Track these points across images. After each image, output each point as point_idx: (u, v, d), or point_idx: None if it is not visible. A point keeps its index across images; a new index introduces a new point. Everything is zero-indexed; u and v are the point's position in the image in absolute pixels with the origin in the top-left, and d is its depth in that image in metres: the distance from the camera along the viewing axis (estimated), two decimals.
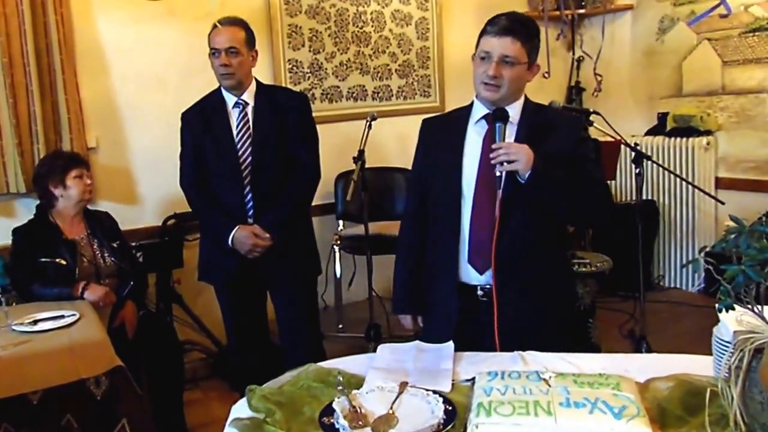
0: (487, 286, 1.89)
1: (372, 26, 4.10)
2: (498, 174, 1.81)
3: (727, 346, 1.25)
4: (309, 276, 2.90)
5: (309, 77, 3.94)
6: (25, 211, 3.15)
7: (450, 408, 1.34)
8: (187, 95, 2.90)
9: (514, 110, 1.90)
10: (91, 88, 3.35)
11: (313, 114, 2.84)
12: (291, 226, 2.74)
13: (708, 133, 4.17)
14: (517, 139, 1.86)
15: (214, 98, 2.74)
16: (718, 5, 4.02)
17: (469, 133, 1.95)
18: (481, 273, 1.90)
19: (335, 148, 3.53)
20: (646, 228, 3.81)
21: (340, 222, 3.95)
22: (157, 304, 3.42)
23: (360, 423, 1.30)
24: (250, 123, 2.69)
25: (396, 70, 4.21)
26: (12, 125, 3.08)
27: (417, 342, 1.76)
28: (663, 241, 4.38)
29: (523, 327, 1.87)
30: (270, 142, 2.69)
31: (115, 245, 2.92)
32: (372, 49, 4.12)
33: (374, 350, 1.74)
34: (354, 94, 4.09)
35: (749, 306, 1.12)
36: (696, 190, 3.95)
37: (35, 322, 2.36)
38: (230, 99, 2.71)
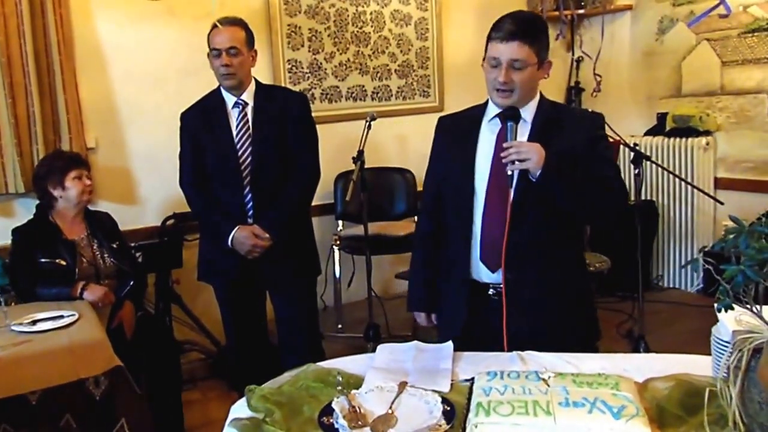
0: (499, 285, 1.88)
1: (371, 26, 4.10)
2: (509, 173, 1.81)
3: (726, 346, 1.25)
4: (308, 276, 2.90)
5: (308, 77, 3.94)
6: (25, 211, 3.15)
7: (449, 408, 1.35)
8: (186, 95, 2.89)
9: (529, 109, 1.90)
10: (90, 88, 3.35)
11: (313, 114, 2.84)
12: (291, 227, 2.74)
13: (707, 133, 4.17)
14: (530, 138, 1.86)
15: (213, 98, 2.74)
16: (717, 5, 4.02)
17: (482, 131, 1.95)
18: (492, 271, 1.89)
19: (335, 149, 3.54)
20: (645, 228, 3.81)
21: (340, 222, 3.95)
22: (157, 304, 3.41)
23: (359, 423, 1.31)
24: (250, 123, 2.69)
25: (395, 70, 4.21)
26: (11, 125, 3.08)
27: (416, 342, 1.76)
28: (662, 241, 4.37)
29: (532, 326, 1.85)
30: (270, 143, 2.68)
31: (114, 246, 2.92)
32: (371, 49, 4.12)
33: (373, 350, 1.74)
34: (353, 95, 4.09)
35: (748, 306, 1.12)
36: (695, 191, 3.95)
37: (34, 322, 2.36)
38: (230, 99, 2.71)
